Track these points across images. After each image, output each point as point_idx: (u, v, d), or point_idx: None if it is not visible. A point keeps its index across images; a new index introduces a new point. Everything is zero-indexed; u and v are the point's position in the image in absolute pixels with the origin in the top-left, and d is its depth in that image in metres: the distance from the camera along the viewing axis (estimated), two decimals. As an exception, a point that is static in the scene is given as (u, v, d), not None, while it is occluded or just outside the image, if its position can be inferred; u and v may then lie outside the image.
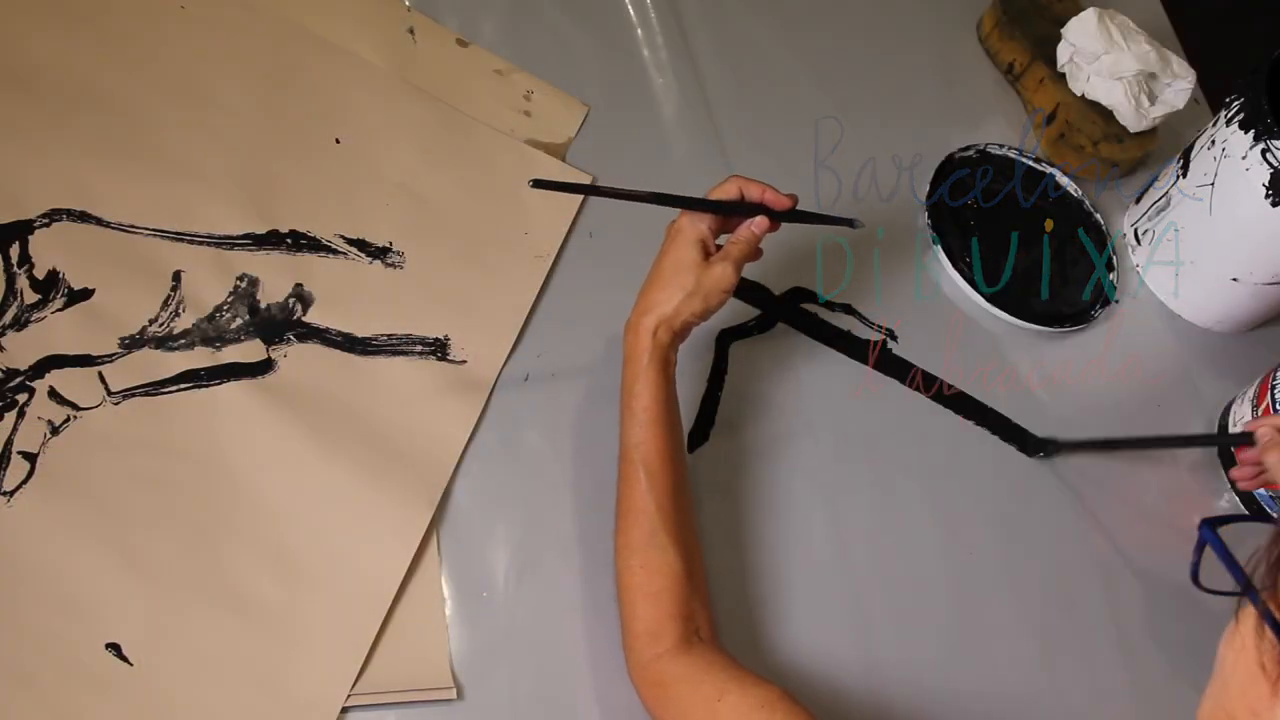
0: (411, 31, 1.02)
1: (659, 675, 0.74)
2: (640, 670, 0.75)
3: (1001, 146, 1.14)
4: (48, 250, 0.83)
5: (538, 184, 0.78)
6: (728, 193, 0.82)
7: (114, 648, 0.72)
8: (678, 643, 0.74)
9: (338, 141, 0.94)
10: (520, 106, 1.02)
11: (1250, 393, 1.02)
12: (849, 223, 0.89)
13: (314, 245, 0.89)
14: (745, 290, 0.99)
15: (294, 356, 0.85)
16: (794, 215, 0.85)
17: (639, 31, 1.11)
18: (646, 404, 0.78)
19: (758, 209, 0.83)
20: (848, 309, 1.02)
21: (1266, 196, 0.97)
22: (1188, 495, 0.97)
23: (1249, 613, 0.51)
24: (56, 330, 0.81)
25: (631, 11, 1.11)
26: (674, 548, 0.76)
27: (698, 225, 0.81)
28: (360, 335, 0.87)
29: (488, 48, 1.04)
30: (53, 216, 0.84)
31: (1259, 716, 0.50)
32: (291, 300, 0.87)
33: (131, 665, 0.72)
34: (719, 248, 0.83)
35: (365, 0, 1.02)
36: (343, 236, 0.90)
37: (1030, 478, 0.98)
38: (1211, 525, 0.56)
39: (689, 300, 0.79)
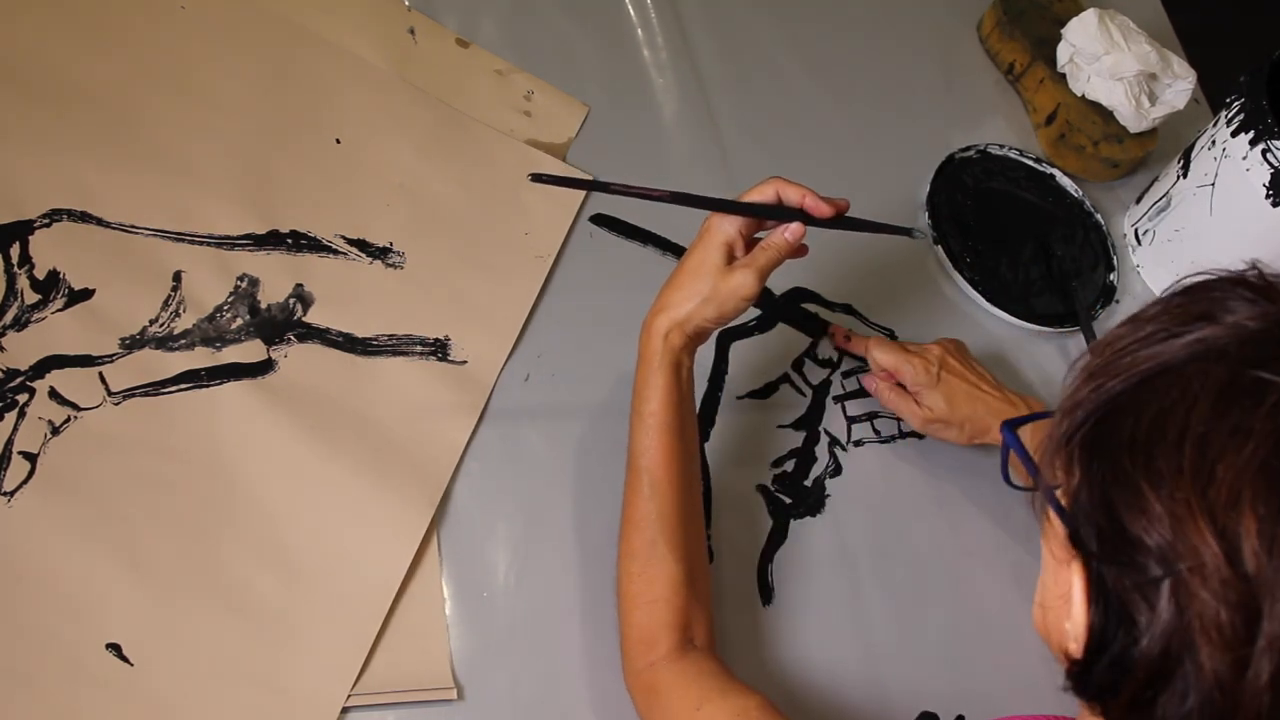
0: (411, 31, 1.02)
1: (651, 682, 0.74)
2: (634, 677, 0.75)
3: (1002, 146, 1.14)
4: (48, 250, 0.83)
5: (537, 178, 0.76)
6: (765, 194, 0.77)
7: (114, 648, 0.72)
8: (671, 651, 0.73)
9: (338, 142, 0.94)
10: (520, 106, 1.02)
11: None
12: (906, 232, 0.83)
13: (314, 245, 0.89)
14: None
15: (294, 357, 0.85)
16: (842, 222, 0.79)
17: (639, 31, 1.11)
18: (654, 409, 0.76)
19: (792, 214, 0.77)
20: (848, 309, 1.02)
21: (1266, 196, 0.97)
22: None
23: (1048, 505, 0.53)
24: (57, 330, 0.81)
25: (631, 11, 1.11)
26: (674, 557, 0.75)
27: (725, 228, 0.76)
28: (360, 335, 0.87)
29: (488, 48, 1.04)
30: (53, 216, 0.84)
31: (1064, 601, 0.52)
32: (292, 300, 0.87)
33: (132, 665, 0.72)
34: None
35: (365, 0, 1.02)
36: (343, 237, 0.90)
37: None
38: (1012, 426, 0.59)
39: (704, 305, 0.76)
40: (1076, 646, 0.51)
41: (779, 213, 0.78)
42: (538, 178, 0.76)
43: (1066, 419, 0.52)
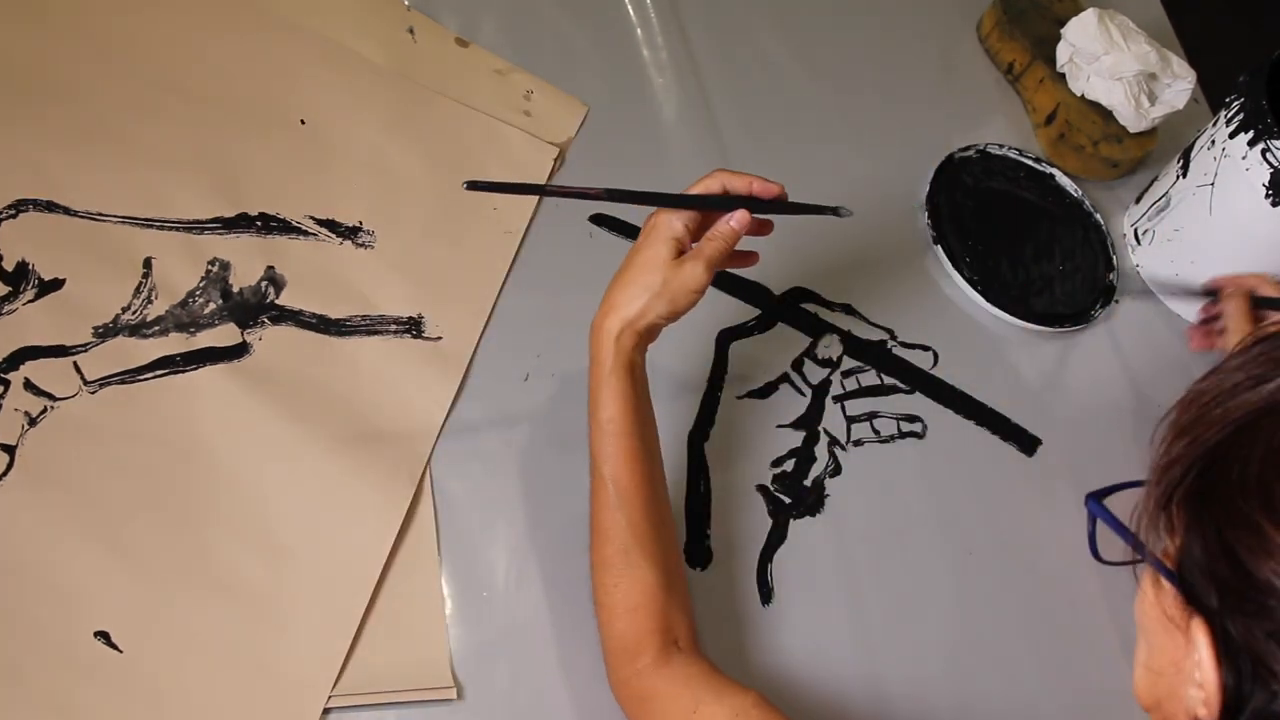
0: (411, 31, 1.02)
1: (639, 691, 0.73)
2: (621, 687, 0.74)
3: (1001, 146, 1.14)
4: (16, 241, 0.83)
5: (473, 186, 0.73)
6: (709, 187, 0.76)
7: (103, 635, 0.72)
8: (656, 657, 0.72)
9: (303, 123, 0.94)
10: (520, 106, 1.02)
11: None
12: (834, 211, 0.82)
13: (284, 227, 0.89)
14: (745, 290, 0.99)
15: (269, 339, 0.85)
16: (776, 206, 0.79)
17: (639, 31, 1.11)
18: (612, 414, 0.74)
19: (735, 203, 0.76)
20: (848, 309, 1.02)
21: (1266, 196, 0.98)
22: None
23: (1148, 571, 0.53)
24: (29, 322, 0.80)
25: (631, 11, 1.11)
26: (648, 563, 0.74)
27: (673, 222, 0.75)
28: (334, 316, 0.87)
29: (488, 47, 1.04)
30: (19, 207, 0.84)
31: (1180, 667, 0.50)
32: (264, 283, 0.87)
33: (121, 652, 0.72)
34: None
35: (365, 0, 1.02)
36: (312, 218, 0.90)
37: (1030, 477, 0.98)
38: (1097, 497, 0.57)
39: (655, 301, 0.74)
40: (1208, 712, 0.49)
41: (721, 202, 0.77)
42: (473, 185, 0.73)
43: (1164, 478, 0.51)
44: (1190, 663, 0.49)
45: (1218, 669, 0.48)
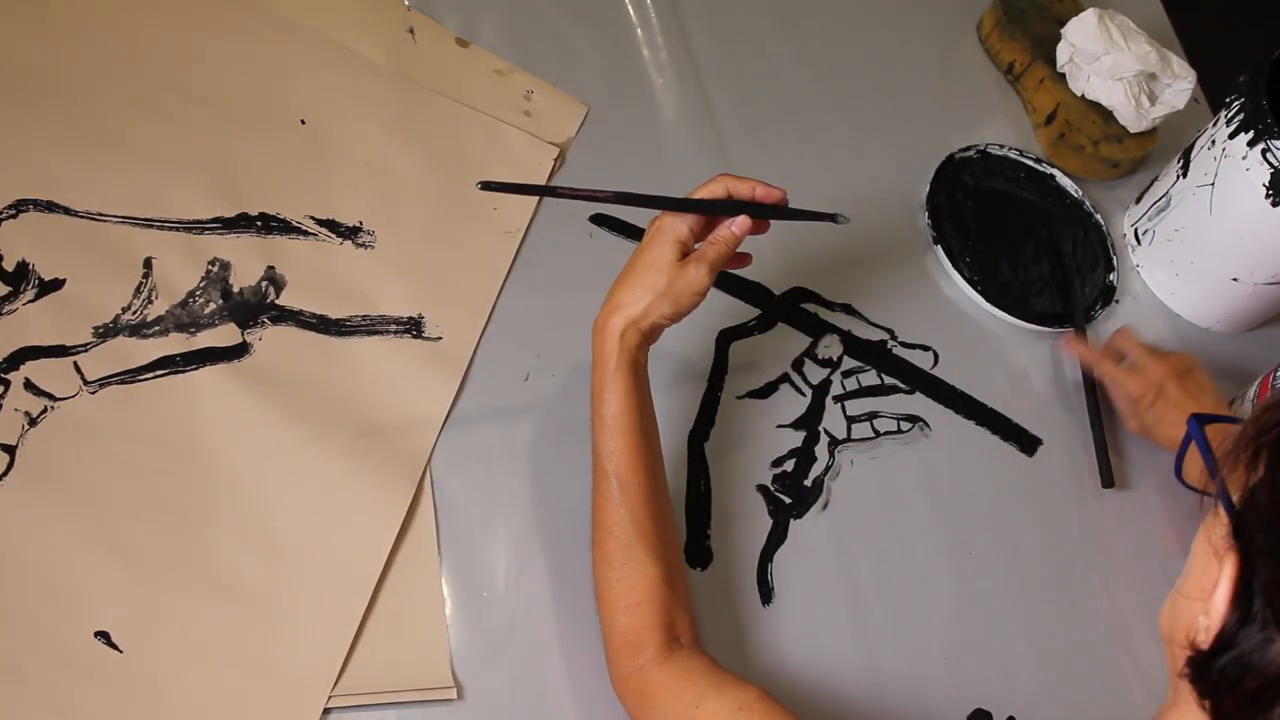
0: (411, 31, 1.02)
1: (641, 686, 0.73)
2: (622, 683, 0.74)
3: (1002, 146, 1.14)
4: (16, 241, 0.83)
5: (486, 186, 0.75)
6: (713, 192, 0.78)
7: (103, 635, 0.72)
8: (658, 652, 0.73)
9: (303, 123, 0.94)
10: (520, 106, 1.02)
11: (1250, 393, 1.02)
12: (831, 218, 0.83)
13: (284, 227, 0.89)
14: (745, 290, 0.99)
15: (269, 339, 0.85)
16: (777, 211, 0.81)
17: (639, 31, 1.11)
18: (616, 411, 0.76)
19: (739, 207, 0.78)
20: (848, 309, 1.02)
21: (1266, 196, 0.97)
22: (1184, 494, 0.97)
23: (1215, 504, 0.55)
24: (29, 322, 0.80)
25: (631, 11, 1.11)
26: (650, 558, 0.74)
27: (678, 225, 0.77)
28: (334, 316, 0.87)
29: (488, 48, 1.04)
30: (19, 207, 0.84)
31: (1206, 596, 0.53)
32: (264, 283, 0.87)
33: (121, 652, 0.72)
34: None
35: (365, 0, 1.02)
36: (313, 218, 0.90)
37: (1030, 477, 0.98)
38: (1200, 422, 0.61)
39: (658, 301, 0.76)
40: (1206, 638, 0.52)
41: (724, 207, 0.79)
42: (486, 185, 0.75)
43: (1265, 417, 0.53)
44: (1215, 595, 0.52)
45: (1230, 604, 0.51)
